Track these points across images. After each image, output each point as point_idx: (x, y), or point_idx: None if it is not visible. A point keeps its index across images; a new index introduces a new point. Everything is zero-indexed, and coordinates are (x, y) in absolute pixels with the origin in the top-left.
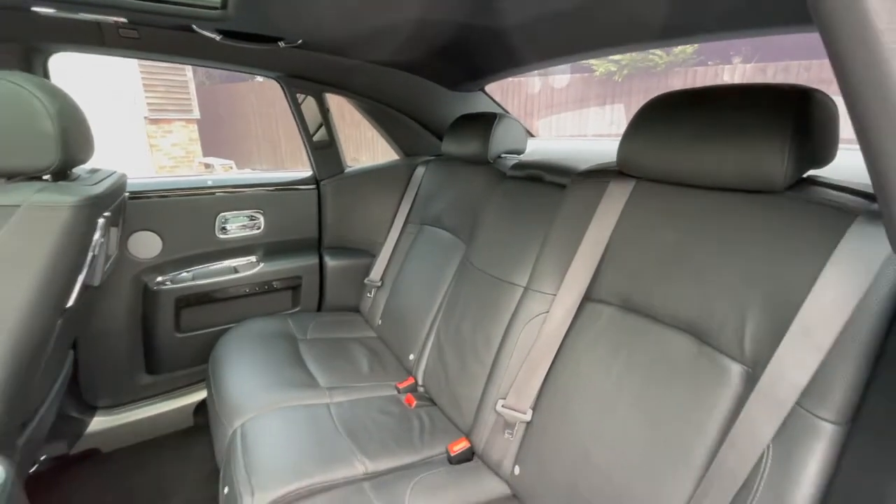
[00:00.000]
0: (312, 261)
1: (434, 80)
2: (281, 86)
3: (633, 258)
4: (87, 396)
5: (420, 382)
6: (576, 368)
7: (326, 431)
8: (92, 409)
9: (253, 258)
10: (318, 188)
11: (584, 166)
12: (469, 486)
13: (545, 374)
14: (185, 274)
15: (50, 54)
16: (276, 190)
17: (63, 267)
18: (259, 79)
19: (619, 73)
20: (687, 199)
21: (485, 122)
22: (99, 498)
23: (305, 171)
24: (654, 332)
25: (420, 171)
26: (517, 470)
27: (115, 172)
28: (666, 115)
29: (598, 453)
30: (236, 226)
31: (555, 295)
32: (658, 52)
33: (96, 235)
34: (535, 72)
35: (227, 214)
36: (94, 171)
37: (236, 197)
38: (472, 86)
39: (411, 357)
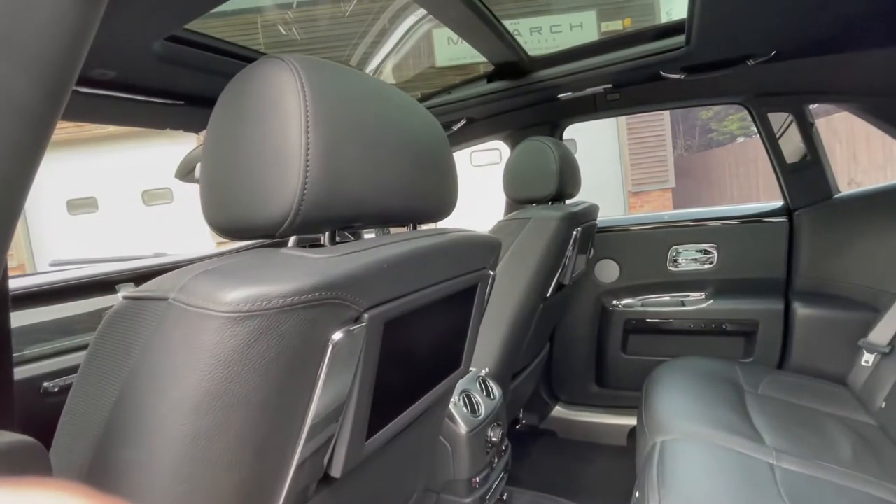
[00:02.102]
0: (775, 306)
1: None
2: (748, 109)
3: None
4: (553, 387)
5: None
6: None
7: (761, 489)
8: (555, 399)
9: (702, 294)
10: (790, 219)
11: None
12: None
13: None
14: (635, 300)
15: (565, 126)
16: (737, 223)
17: (548, 263)
18: (740, 140)
19: None
20: None
21: None
22: (551, 469)
23: (774, 202)
24: None
25: None
26: None
27: (588, 202)
28: None
29: None
30: (687, 259)
31: None
32: None
33: (570, 243)
34: None
35: (680, 248)
36: (576, 202)
37: (691, 231)
38: None
39: None
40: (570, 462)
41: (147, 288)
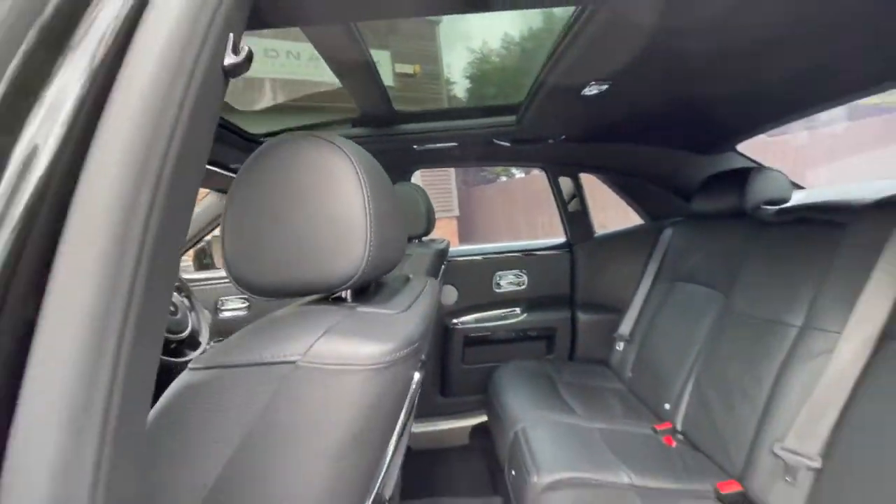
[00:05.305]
0: (565, 314)
1: (684, 149)
2: (545, 171)
3: None
4: None
5: (679, 428)
6: (881, 414)
7: (593, 444)
8: None
9: (517, 309)
10: (571, 251)
11: (867, 201)
12: None
13: (836, 417)
14: (471, 317)
15: (414, 171)
16: (536, 253)
17: None
18: (503, 178)
19: None
20: None
21: (740, 176)
22: (411, 480)
23: (560, 238)
24: None
25: (668, 232)
26: None
27: (443, 239)
28: None
29: None
30: (507, 282)
31: (839, 333)
32: None
33: (439, 277)
34: (800, 124)
35: (501, 273)
36: (433, 239)
37: (507, 259)
38: (723, 147)
39: (667, 406)
40: (432, 469)
41: (232, 356)
